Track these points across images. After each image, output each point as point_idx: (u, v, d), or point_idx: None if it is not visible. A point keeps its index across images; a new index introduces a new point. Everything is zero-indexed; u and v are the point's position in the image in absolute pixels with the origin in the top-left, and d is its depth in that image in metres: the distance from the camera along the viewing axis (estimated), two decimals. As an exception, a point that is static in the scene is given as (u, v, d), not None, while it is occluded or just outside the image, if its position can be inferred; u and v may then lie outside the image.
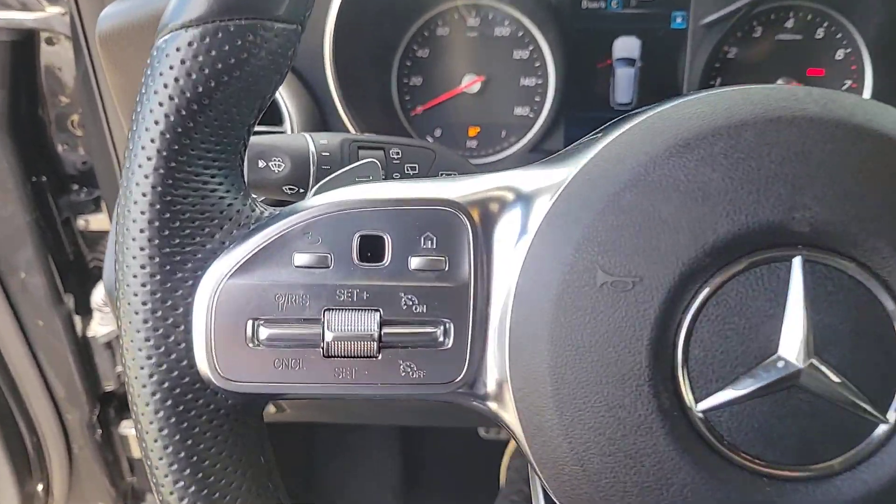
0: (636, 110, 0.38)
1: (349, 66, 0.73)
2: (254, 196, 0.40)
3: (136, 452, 1.13)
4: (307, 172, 0.49)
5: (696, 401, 0.32)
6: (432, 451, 1.35)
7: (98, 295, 0.96)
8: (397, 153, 0.52)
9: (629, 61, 0.78)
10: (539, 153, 0.84)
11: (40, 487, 1.10)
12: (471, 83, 0.81)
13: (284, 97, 0.68)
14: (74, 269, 0.99)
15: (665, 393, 0.31)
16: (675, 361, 0.31)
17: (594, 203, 0.33)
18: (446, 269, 0.35)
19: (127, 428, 1.12)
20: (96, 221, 0.96)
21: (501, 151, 0.83)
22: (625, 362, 0.31)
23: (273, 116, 0.68)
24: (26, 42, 0.93)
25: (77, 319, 0.98)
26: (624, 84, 0.78)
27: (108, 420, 1.11)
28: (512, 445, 1.26)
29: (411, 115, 0.84)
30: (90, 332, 0.98)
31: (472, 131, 0.83)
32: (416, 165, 0.53)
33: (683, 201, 0.31)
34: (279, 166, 0.49)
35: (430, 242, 0.35)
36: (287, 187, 0.50)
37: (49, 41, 0.95)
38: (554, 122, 0.82)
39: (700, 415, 0.32)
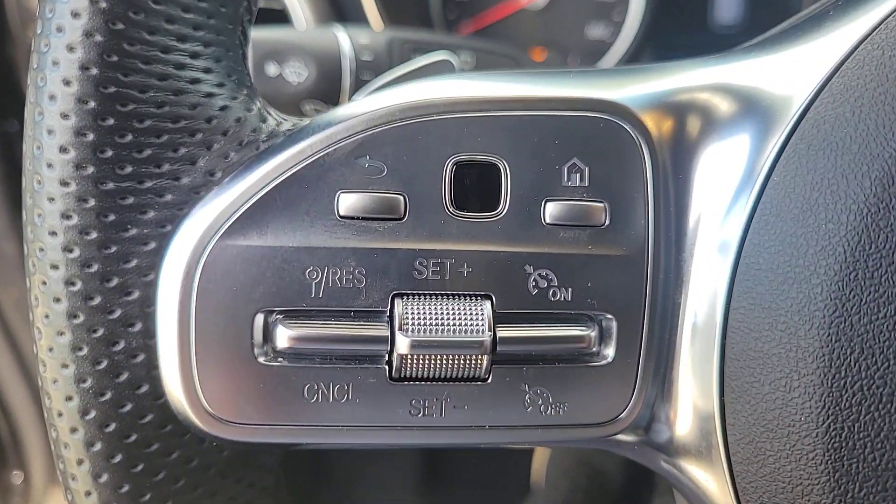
0: None
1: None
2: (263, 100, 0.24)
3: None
4: (338, 82, 0.33)
5: None
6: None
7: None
8: (467, 60, 0.36)
9: (736, -32, 0.62)
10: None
11: (19, 478, 0.98)
12: (534, -4, 0.65)
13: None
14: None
15: None
16: None
17: None
18: (606, 223, 0.22)
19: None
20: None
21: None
22: None
23: (272, 15, 0.52)
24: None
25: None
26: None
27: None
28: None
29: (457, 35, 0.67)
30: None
31: (536, 55, 0.66)
32: (494, 79, 0.37)
33: None
34: (299, 74, 0.33)
35: (577, 177, 0.22)
36: (310, 104, 0.34)
37: (16, -42, 0.84)
38: (639, 48, 0.65)
39: None
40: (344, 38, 0.36)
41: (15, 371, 0.95)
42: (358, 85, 0.35)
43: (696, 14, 0.67)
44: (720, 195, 0.22)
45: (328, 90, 0.35)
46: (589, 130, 0.22)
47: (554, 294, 0.22)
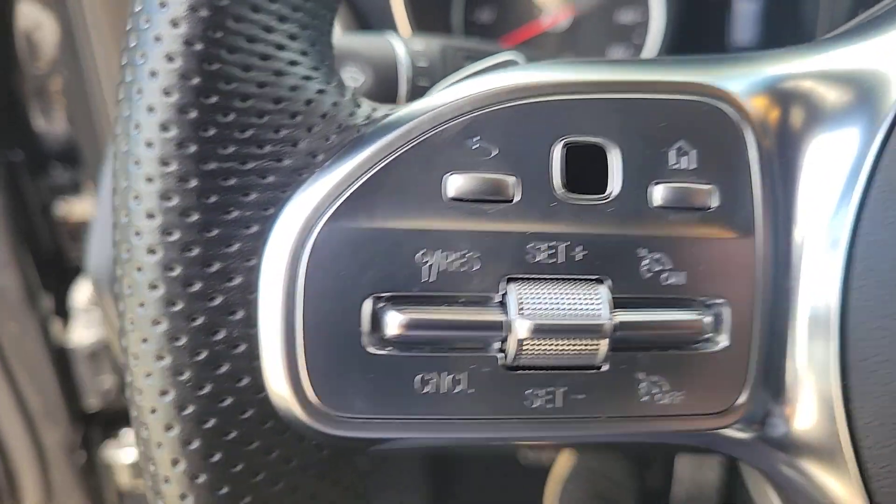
0: None
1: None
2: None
3: (124, 483, 0.99)
4: (394, 88, 0.33)
5: None
6: (464, 477, 1.20)
7: (81, 294, 0.86)
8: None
9: (752, -8, 0.64)
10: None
11: (12, 511, 0.96)
12: (556, 19, 0.65)
13: None
14: (53, 264, 0.87)
15: None
16: None
17: None
18: (715, 206, 0.22)
19: (114, 453, 0.96)
20: (80, 208, 0.86)
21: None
22: None
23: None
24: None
25: (56, 323, 0.88)
26: (745, 21, 0.63)
27: (91, 442, 0.96)
28: (561, 469, 1.10)
29: (478, 60, 0.68)
30: (71, 339, 0.88)
31: (558, 78, 0.66)
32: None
33: None
34: (355, 79, 0.32)
35: (685, 159, 0.22)
36: (368, 109, 0.33)
37: (26, -9, 0.84)
38: (658, 69, 0.65)
39: None
40: (399, 45, 0.36)
41: (12, 408, 0.93)
42: (415, 91, 0.35)
43: (715, 35, 0.68)
44: (828, 185, 0.22)
45: (385, 96, 0.35)
46: (694, 114, 0.22)
47: (666, 278, 0.21)
